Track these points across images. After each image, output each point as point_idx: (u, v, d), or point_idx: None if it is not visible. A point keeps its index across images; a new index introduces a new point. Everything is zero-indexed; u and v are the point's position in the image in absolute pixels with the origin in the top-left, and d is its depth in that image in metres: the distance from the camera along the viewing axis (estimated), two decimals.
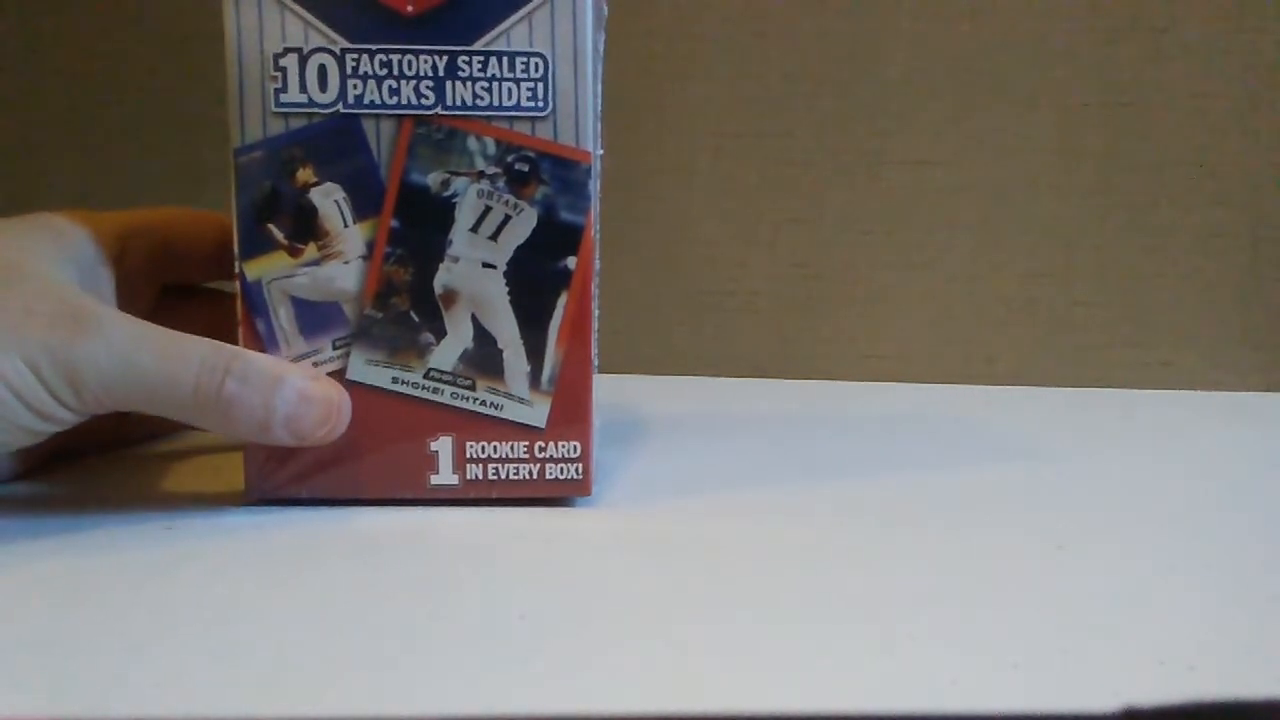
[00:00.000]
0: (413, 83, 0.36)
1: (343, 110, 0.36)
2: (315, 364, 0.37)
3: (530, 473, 0.38)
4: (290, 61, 0.36)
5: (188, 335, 0.35)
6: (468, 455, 0.38)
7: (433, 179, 0.37)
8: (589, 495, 0.38)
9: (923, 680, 0.25)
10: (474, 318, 0.37)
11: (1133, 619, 0.29)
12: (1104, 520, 0.38)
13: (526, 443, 0.38)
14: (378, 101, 0.36)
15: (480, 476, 0.38)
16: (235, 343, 0.37)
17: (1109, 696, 0.24)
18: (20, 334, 0.33)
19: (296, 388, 0.36)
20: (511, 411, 0.38)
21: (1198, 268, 0.62)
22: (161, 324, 0.36)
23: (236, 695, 0.25)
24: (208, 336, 0.36)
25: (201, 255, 0.42)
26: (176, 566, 0.32)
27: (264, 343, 0.37)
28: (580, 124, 0.37)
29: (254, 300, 0.37)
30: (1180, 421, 0.54)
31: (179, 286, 0.43)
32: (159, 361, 0.34)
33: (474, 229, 0.37)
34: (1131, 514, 0.38)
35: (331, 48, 0.36)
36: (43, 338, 0.33)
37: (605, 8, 0.41)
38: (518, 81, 0.36)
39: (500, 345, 0.37)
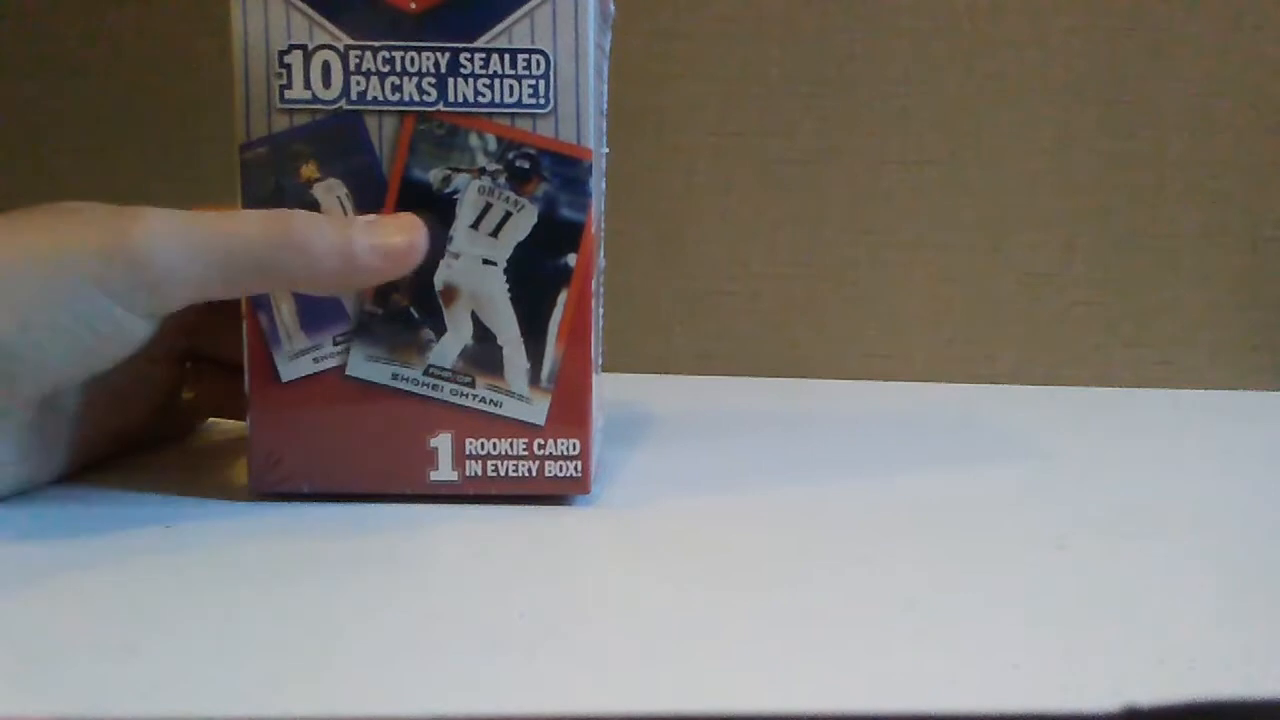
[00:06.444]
0: (415, 79, 0.36)
1: (346, 107, 0.36)
2: (315, 359, 0.37)
3: (529, 470, 0.38)
4: (295, 58, 0.36)
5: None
6: (467, 452, 0.38)
7: (434, 175, 0.37)
8: (588, 493, 0.38)
9: (923, 680, 0.25)
10: (474, 314, 0.37)
11: (1133, 619, 0.29)
12: (1104, 520, 0.38)
13: (526, 440, 0.38)
14: (380, 98, 0.36)
15: (480, 473, 0.38)
16: None
17: (1109, 696, 0.24)
18: (75, 252, 0.32)
19: (365, 217, 0.35)
20: (511, 408, 0.38)
21: (1198, 268, 0.62)
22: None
23: (236, 695, 0.24)
24: None
25: None
26: (176, 566, 0.32)
27: (266, 337, 0.37)
28: (581, 121, 0.37)
29: (257, 294, 0.37)
30: (1180, 421, 0.54)
31: None
32: (222, 225, 0.34)
33: (475, 225, 0.37)
34: (1132, 514, 0.38)
35: (335, 45, 0.36)
36: (97, 244, 0.32)
37: (612, 8, 0.41)
38: (519, 78, 0.36)
39: (500, 342, 0.37)
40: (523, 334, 0.37)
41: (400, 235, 0.35)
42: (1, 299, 0.32)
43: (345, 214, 0.37)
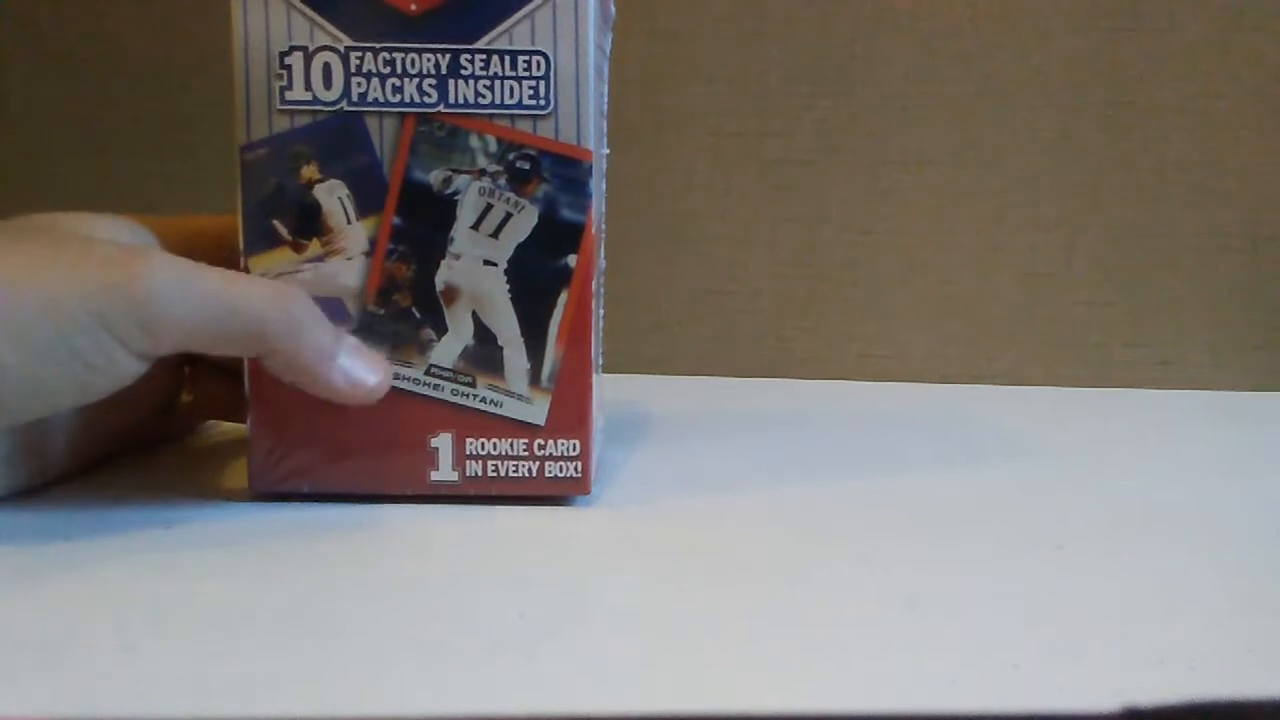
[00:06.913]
0: (415, 81, 0.36)
1: (346, 108, 0.36)
2: None
3: (530, 470, 0.38)
4: (295, 60, 0.36)
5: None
6: (467, 452, 0.38)
7: (435, 176, 0.37)
8: (588, 494, 0.38)
9: (923, 680, 0.25)
10: (475, 315, 0.37)
11: (1133, 619, 0.29)
12: (1104, 520, 0.38)
13: (526, 440, 0.38)
14: (381, 99, 0.36)
15: (480, 474, 0.38)
16: None
17: (1109, 696, 0.24)
18: (79, 283, 0.32)
19: (353, 339, 0.37)
20: (511, 409, 0.38)
21: (1198, 268, 0.62)
22: None
23: (236, 695, 0.24)
24: None
25: None
26: (176, 566, 0.32)
27: None
28: (581, 122, 0.37)
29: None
30: (1180, 421, 0.54)
31: None
32: (226, 283, 0.34)
33: (475, 226, 0.37)
34: (1131, 514, 0.38)
35: (336, 46, 0.36)
36: (101, 279, 0.33)
37: (612, 9, 0.41)
38: (519, 80, 0.36)
39: (501, 342, 0.37)
40: (523, 334, 0.37)
41: (373, 376, 0.36)
42: (3, 324, 0.32)
43: (347, 216, 0.37)
